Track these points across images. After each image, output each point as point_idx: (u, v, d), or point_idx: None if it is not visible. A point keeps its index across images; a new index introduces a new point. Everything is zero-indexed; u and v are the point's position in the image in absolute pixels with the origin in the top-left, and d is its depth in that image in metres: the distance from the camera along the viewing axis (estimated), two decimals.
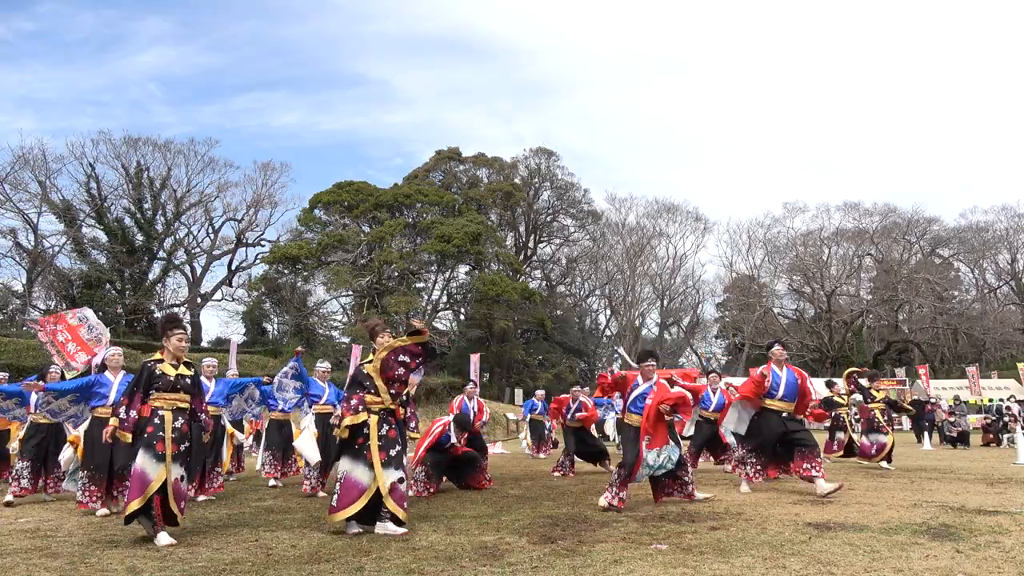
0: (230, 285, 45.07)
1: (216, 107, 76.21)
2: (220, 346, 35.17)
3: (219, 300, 45.17)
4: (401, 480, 5.64)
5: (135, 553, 4.89)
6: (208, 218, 43.92)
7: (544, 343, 49.17)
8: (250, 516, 6.74)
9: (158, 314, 39.76)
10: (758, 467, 7.94)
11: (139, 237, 40.28)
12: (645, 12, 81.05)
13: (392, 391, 5.79)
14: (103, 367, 7.92)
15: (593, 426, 11.94)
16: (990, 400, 28.88)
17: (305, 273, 41.98)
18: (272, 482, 9.71)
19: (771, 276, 51.90)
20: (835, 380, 14.33)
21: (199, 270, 44.38)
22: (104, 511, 7.01)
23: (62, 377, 8.87)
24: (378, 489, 5.50)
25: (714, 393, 10.57)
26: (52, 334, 9.36)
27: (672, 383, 7.72)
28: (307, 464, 8.62)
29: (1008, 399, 22.99)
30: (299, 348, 9.77)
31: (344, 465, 5.59)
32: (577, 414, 11.08)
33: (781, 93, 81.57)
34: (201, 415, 5.90)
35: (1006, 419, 19.46)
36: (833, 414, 12.71)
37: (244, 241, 44.93)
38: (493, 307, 41.15)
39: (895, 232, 48.50)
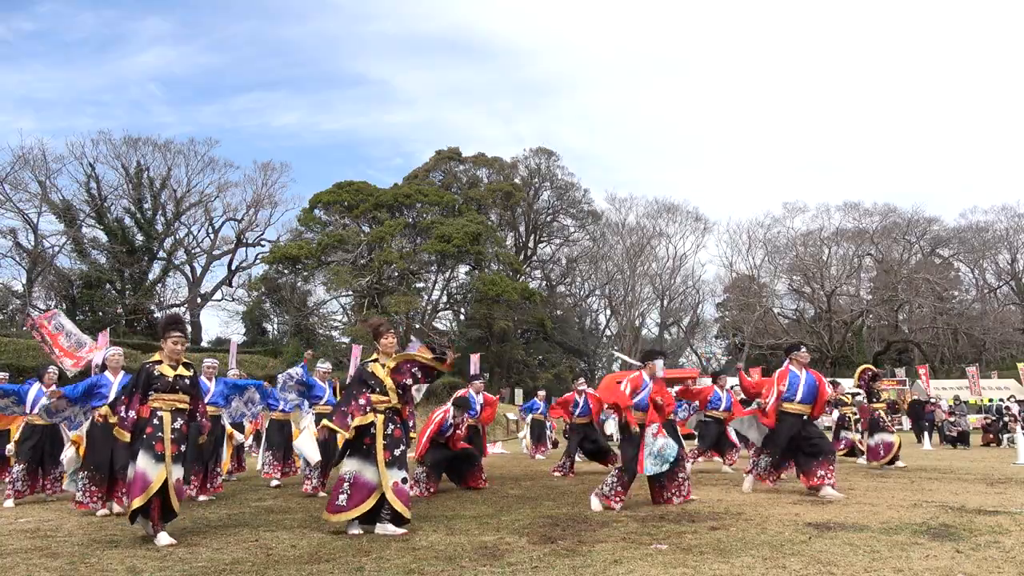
0: (230, 285, 45.14)
1: (216, 107, 76.28)
2: (220, 346, 35.18)
3: (219, 300, 45.27)
4: (404, 480, 5.65)
5: (135, 553, 4.89)
6: (208, 218, 44.01)
7: (544, 343, 49.17)
8: (250, 516, 6.74)
9: (158, 314, 39.80)
10: (771, 468, 7.84)
11: (139, 237, 40.30)
12: (645, 12, 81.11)
13: (399, 391, 5.83)
14: (103, 367, 7.92)
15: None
16: (990, 400, 28.88)
17: (305, 273, 41.99)
18: (274, 482, 9.72)
19: (771, 276, 51.91)
20: (838, 380, 14.35)
21: (199, 270, 44.46)
22: (104, 511, 7.01)
23: (60, 377, 8.88)
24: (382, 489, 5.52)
25: (722, 390, 10.70)
26: (46, 330, 9.33)
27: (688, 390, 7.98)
28: (307, 464, 8.62)
29: (1008, 399, 22.99)
30: (307, 354, 9.72)
31: (352, 465, 5.56)
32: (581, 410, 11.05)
33: (781, 93, 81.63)
34: (200, 417, 5.92)
35: (1006, 419, 19.46)
36: (838, 414, 12.73)
37: (244, 241, 44.98)
38: (493, 307, 41.14)
39: (895, 232, 48.48)
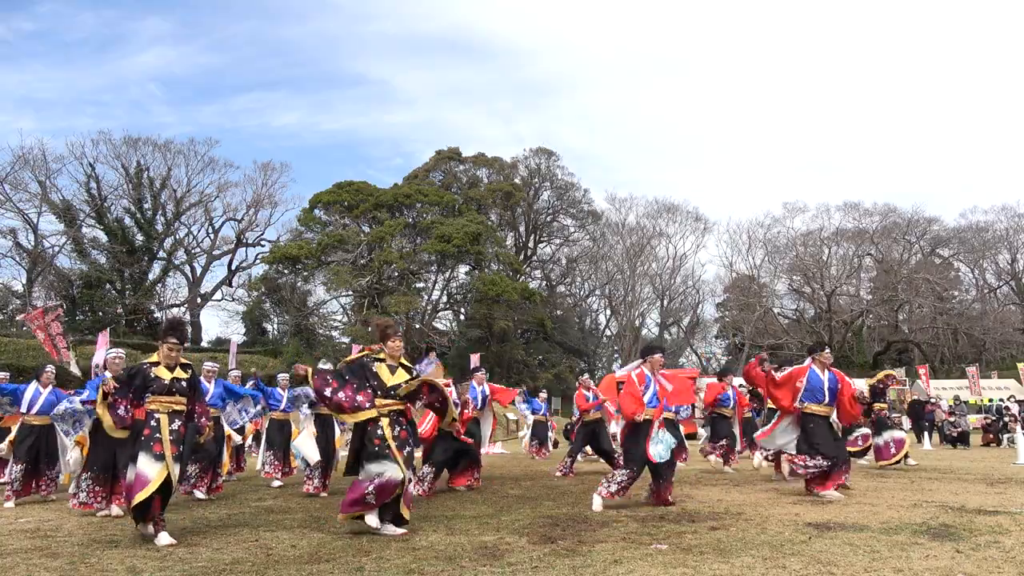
0: (230, 285, 45.15)
1: (216, 107, 76.30)
2: (220, 346, 35.21)
3: (219, 300, 45.28)
4: (410, 480, 5.66)
5: (135, 553, 4.89)
6: (208, 218, 44.02)
7: (544, 343, 49.17)
8: (250, 516, 6.74)
9: (158, 314, 39.82)
10: (833, 470, 7.31)
11: (139, 237, 40.31)
12: (645, 12, 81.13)
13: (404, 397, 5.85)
14: (104, 368, 7.94)
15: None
16: (990, 400, 28.89)
17: (305, 273, 41.99)
18: (275, 483, 9.72)
19: (771, 276, 51.94)
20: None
21: (199, 270, 44.47)
22: (105, 512, 7.01)
23: (56, 377, 8.90)
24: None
25: (728, 388, 10.96)
26: (43, 328, 9.30)
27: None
28: (306, 465, 8.62)
29: (1008, 399, 23.01)
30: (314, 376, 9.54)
31: (374, 468, 5.43)
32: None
33: (781, 93, 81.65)
34: (200, 417, 5.94)
35: (1006, 419, 19.48)
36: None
37: (244, 241, 44.99)
38: (493, 307, 41.14)
39: (895, 232, 48.50)
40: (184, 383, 5.75)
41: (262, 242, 45.45)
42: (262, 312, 44.40)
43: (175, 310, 42.23)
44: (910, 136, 76.41)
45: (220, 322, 77.44)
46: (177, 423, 5.62)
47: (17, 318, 9.23)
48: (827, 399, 7.53)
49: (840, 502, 6.91)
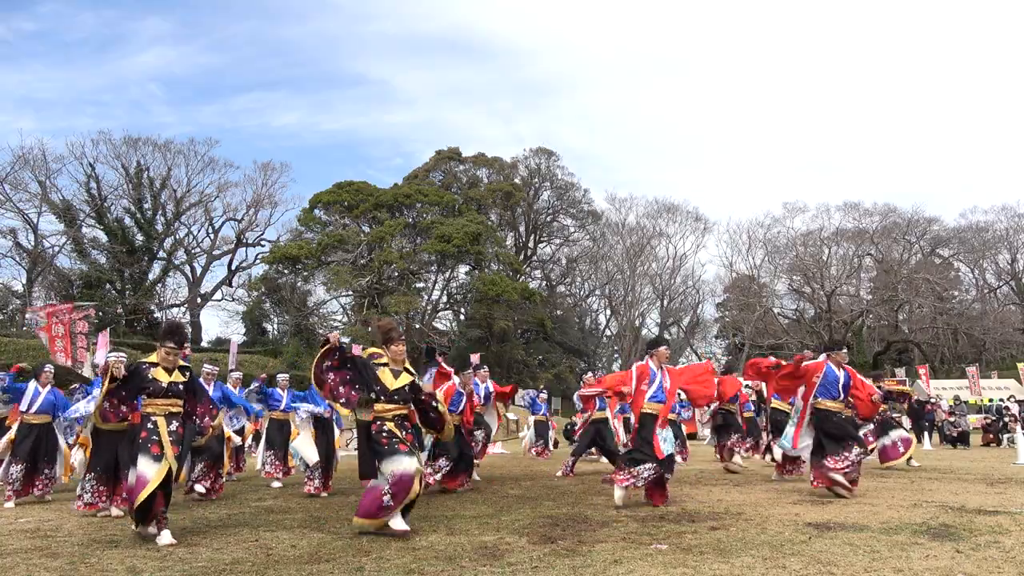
0: (230, 285, 45.13)
1: (216, 107, 76.30)
2: (220, 346, 35.20)
3: (219, 300, 45.27)
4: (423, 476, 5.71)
5: (135, 553, 4.89)
6: (208, 218, 44.00)
7: (544, 343, 49.18)
8: (250, 516, 6.74)
9: (158, 314, 39.81)
10: (855, 465, 7.38)
11: (139, 237, 40.29)
12: (645, 12, 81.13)
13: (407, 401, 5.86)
14: (106, 369, 7.93)
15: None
16: (990, 400, 28.88)
17: (305, 273, 41.99)
18: (275, 483, 9.72)
19: (771, 276, 51.93)
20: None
21: (199, 270, 44.45)
22: (105, 512, 7.00)
23: (55, 377, 8.91)
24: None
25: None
26: (66, 324, 9.13)
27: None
28: (305, 465, 8.61)
29: (1008, 399, 23.00)
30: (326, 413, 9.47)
31: (388, 466, 5.40)
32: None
33: (781, 93, 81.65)
34: (203, 417, 5.96)
35: (1006, 419, 19.47)
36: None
37: (244, 241, 44.98)
38: (493, 307, 41.15)
39: (895, 232, 48.48)
40: (181, 386, 5.77)
41: (262, 242, 45.49)
42: (262, 312, 44.40)
43: (175, 310, 42.26)
44: (910, 136, 76.50)
45: (220, 322, 77.40)
46: (175, 424, 5.64)
47: (37, 309, 8.98)
48: (841, 396, 7.70)
49: (839, 501, 6.92)
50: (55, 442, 8.60)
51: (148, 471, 5.33)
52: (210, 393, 8.74)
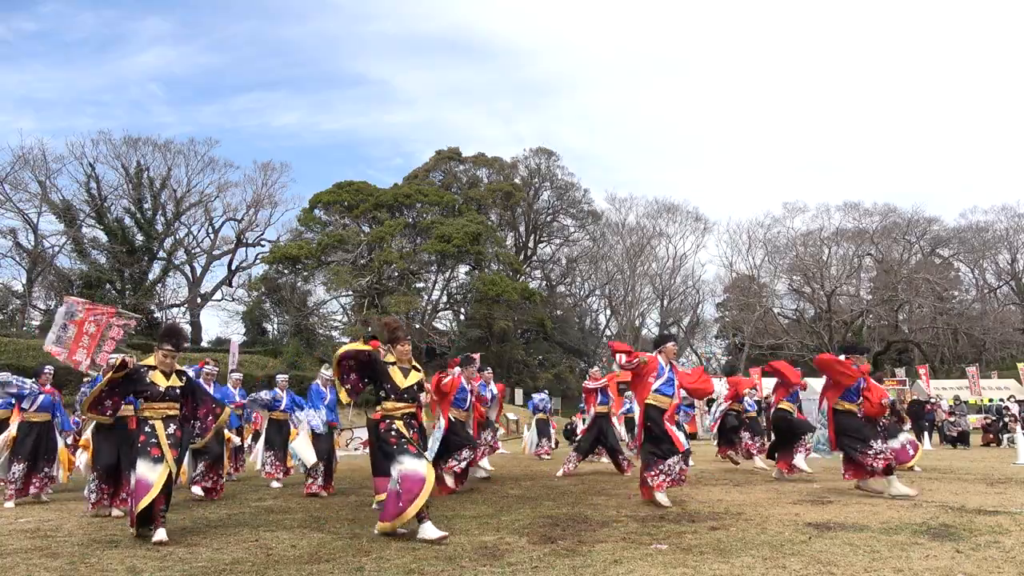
0: (230, 285, 45.11)
1: (216, 107, 76.34)
2: (220, 346, 35.16)
3: (219, 300, 45.23)
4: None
5: (135, 553, 4.89)
6: (208, 218, 43.97)
7: (544, 343, 49.19)
8: (250, 516, 6.74)
9: (158, 314, 39.77)
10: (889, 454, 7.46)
11: (139, 237, 40.26)
12: (645, 12, 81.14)
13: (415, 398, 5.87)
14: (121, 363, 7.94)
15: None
16: (990, 400, 28.88)
17: (305, 273, 41.97)
18: (275, 483, 9.72)
19: (771, 276, 51.96)
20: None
21: (199, 270, 44.43)
22: (106, 512, 7.00)
23: (55, 377, 8.91)
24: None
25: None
26: (101, 326, 8.96)
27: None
28: (305, 468, 8.60)
29: (1008, 399, 22.99)
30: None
31: (396, 468, 5.36)
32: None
33: (781, 93, 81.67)
34: (207, 418, 5.99)
35: (1006, 419, 19.47)
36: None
37: (244, 241, 44.96)
38: (493, 307, 41.15)
39: (895, 232, 48.49)
40: (178, 390, 5.80)
41: (262, 242, 45.47)
42: (262, 312, 44.37)
43: (175, 310, 42.25)
44: (910, 136, 76.53)
45: (220, 322, 77.58)
46: (172, 427, 5.66)
47: (76, 301, 8.74)
48: (858, 398, 7.88)
49: (839, 501, 6.91)
50: (55, 441, 8.63)
51: (149, 475, 5.35)
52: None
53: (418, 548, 4.89)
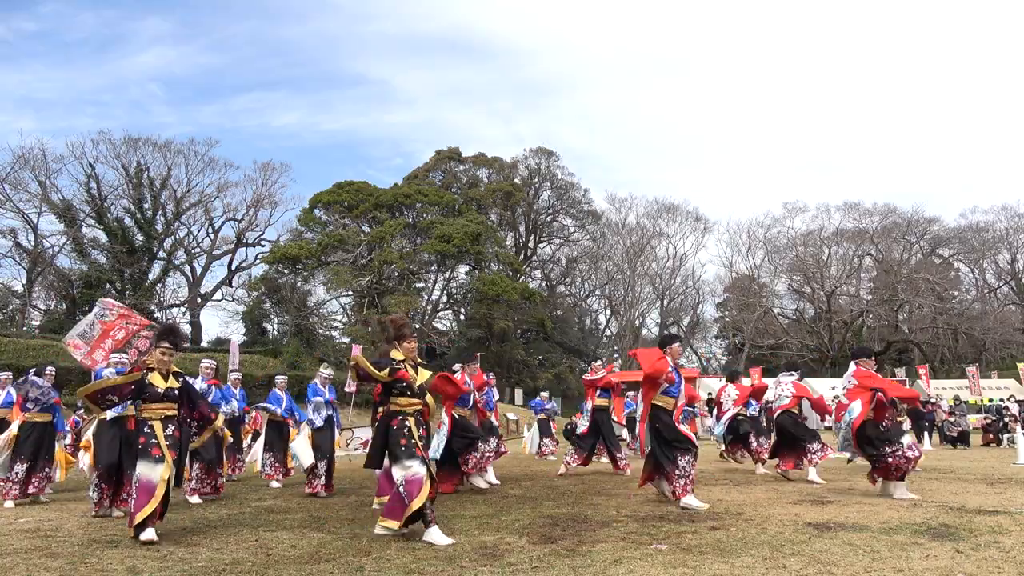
0: (230, 285, 45.10)
1: (216, 107, 76.27)
2: (220, 346, 35.16)
3: (219, 300, 45.22)
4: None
5: (135, 553, 4.89)
6: (208, 218, 43.95)
7: (544, 343, 49.17)
8: (250, 516, 6.74)
9: (158, 314, 39.74)
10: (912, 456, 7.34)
11: (139, 237, 40.27)
12: (645, 12, 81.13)
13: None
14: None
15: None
16: (990, 400, 28.87)
17: (305, 273, 41.94)
18: (274, 484, 9.72)
19: (771, 276, 51.95)
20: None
21: (199, 270, 44.42)
22: (106, 513, 6.99)
23: (55, 378, 8.92)
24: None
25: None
26: (129, 333, 8.90)
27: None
28: (303, 466, 8.60)
29: (1008, 399, 22.99)
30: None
31: (400, 471, 5.37)
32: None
33: (781, 93, 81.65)
34: (199, 421, 6.00)
35: (1006, 419, 19.48)
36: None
37: (244, 241, 44.95)
38: (493, 307, 41.14)
39: (895, 232, 48.49)
40: (176, 391, 5.82)
41: (262, 242, 45.45)
42: (262, 312, 44.35)
43: (175, 310, 42.25)
44: (910, 136, 76.51)
45: (220, 322, 77.48)
46: (171, 427, 5.70)
47: (111, 304, 8.65)
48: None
49: (839, 501, 6.90)
50: (53, 441, 8.65)
51: (152, 476, 5.39)
52: (213, 396, 8.82)
53: (418, 548, 4.89)
